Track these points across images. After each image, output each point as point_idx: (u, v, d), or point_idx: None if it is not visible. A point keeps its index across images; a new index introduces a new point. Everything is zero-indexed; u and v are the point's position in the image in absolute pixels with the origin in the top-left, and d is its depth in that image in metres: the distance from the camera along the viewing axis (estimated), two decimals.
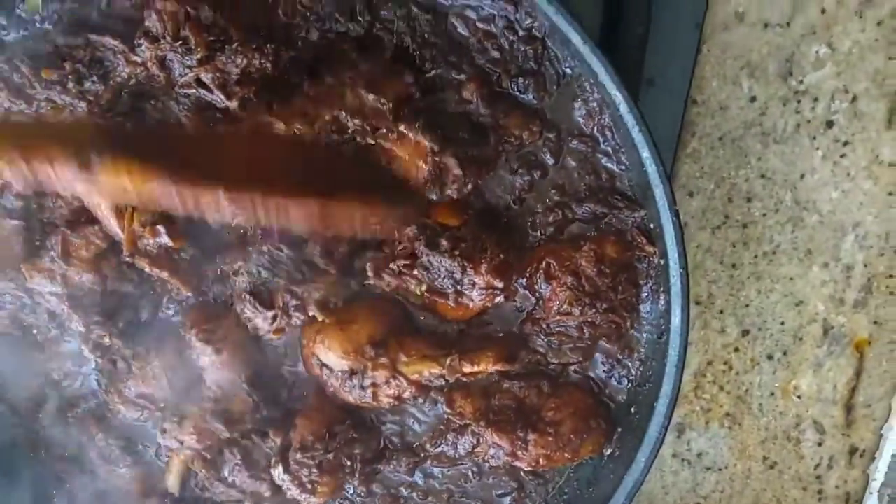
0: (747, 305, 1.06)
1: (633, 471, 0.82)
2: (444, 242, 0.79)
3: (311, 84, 0.78)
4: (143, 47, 0.74)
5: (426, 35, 0.79)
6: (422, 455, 0.91)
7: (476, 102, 0.79)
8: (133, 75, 0.78)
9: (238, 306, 0.84)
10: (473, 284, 0.81)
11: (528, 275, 0.83)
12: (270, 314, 0.81)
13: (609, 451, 0.86)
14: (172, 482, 0.91)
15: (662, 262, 0.78)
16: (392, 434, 0.92)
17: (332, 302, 0.82)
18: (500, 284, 0.82)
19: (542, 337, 0.86)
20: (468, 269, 0.80)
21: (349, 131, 0.76)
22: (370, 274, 0.83)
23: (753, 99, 0.99)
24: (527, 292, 0.84)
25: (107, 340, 0.86)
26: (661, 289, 0.80)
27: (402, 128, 0.77)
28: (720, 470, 1.12)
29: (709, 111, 0.99)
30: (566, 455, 0.85)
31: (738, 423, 1.10)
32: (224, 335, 0.86)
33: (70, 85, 0.78)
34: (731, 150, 1.01)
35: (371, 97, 0.76)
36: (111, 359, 0.88)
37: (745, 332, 1.07)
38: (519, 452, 0.84)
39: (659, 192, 0.72)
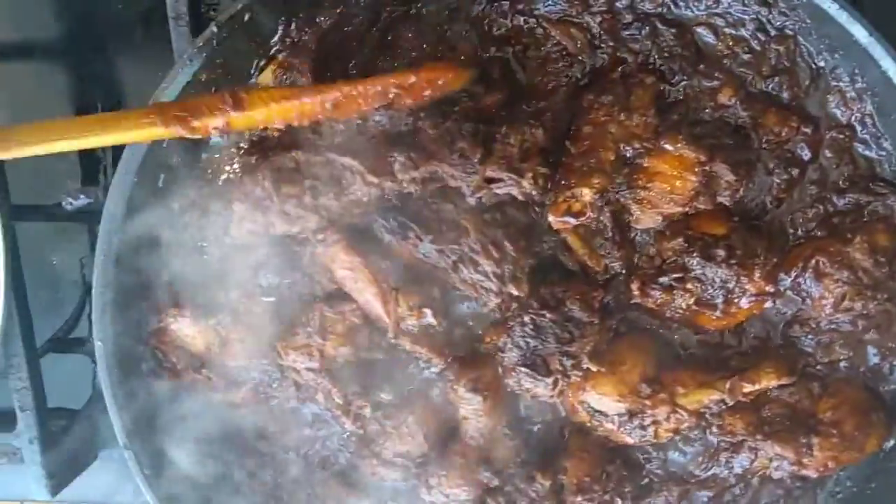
0: None
1: None
2: (720, 252, 0.78)
3: (573, 141, 0.79)
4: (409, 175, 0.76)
5: (672, 48, 0.79)
6: (692, 481, 0.88)
7: (734, 106, 0.79)
8: (368, 194, 0.79)
9: (511, 380, 0.83)
10: (744, 292, 0.80)
11: (793, 275, 0.81)
12: (550, 380, 0.81)
13: (891, 444, 0.84)
14: None
15: None
16: (656, 467, 0.89)
17: (601, 349, 0.82)
18: (771, 289, 0.80)
19: (811, 337, 0.84)
20: (742, 278, 0.79)
21: (630, 157, 0.76)
22: (636, 292, 0.81)
23: None
24: (791, 293, 0.82)
25: (367, 411, 0.85)
26: None
27: (663, 143, 0.77)
28: None
29: None
30: (853, 454, 0.82)
31: None
32: (487, 384, 0.84)
33: (307, 199, 0.79)
34: None
35: (634, 116, 0.77)
36: (363, 424, 0.87)
37: None
38: (805, 459, 0.82)
39: None
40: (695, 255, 0.79)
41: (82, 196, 1.08)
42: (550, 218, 0.78)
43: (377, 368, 0.87)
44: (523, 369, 0.81)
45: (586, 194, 0.76)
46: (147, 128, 0.70)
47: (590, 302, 0.81)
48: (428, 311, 0.81)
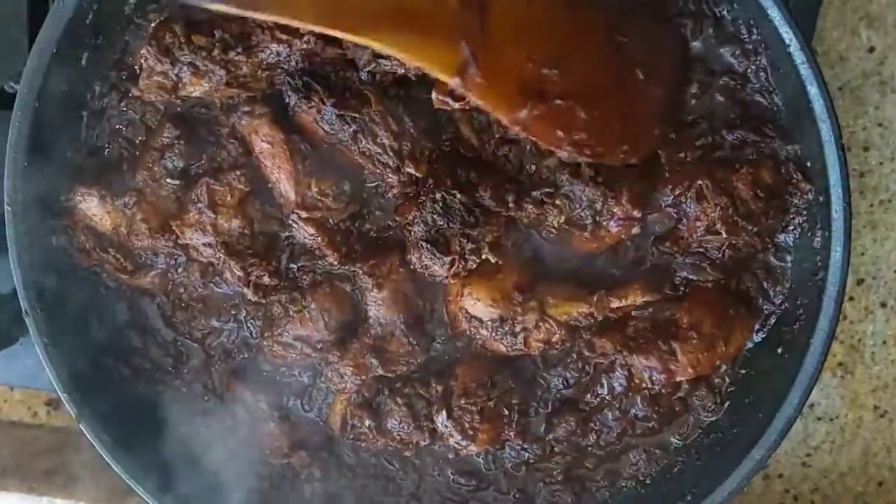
0: (862, 254, 1.08)
1: (786, 408, 0.84)
2: (586, 170, 0.81)
3: None
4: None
5: None
6: (588, 409, 0.91)
7: None
8: (277, 53, 0.80)
9: (414, 255, 0.85)
10: (612, 215, 0.83)
11: (676, 192, 0.84)
12: (448, 259, 0.83)
13: (762, 338, 0.86)
14: (334, 421, 0.93)
15: (821, 198, 0.80)
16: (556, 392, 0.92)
17: (504, 244, 0.85)
18: (638, 214, 0.83)
19: (679, 257, 0.87)
20: (609, 199, 0.82)
21: None
22: (511, 204, 0.84)
23: (872, 49, 1.01)
24: (671, 210, 0.85)
25: (266, 279, 0.87)
26: (818, 225, 0.82)
27: None
28: (831, 420, 1.14)
29: (829, 62, 1.02)
30: (719, 350, 0.85)
31: (850, 373, 1.12)
32: (387, 272, 0.88)
33: (215, 52, 0.80)
34: (850, 99, 1.03)
35: None
36: (268, 305, 0.90)
37: (860, 281, 1.09)
38: (671, 366, 0.84)
39: (825, 127, 0.75)
40: (565, 172, 0.82)
41: None
42: (433, 95, 0.79)
43: (277, 242, 0.89)
44: (426, 245, 0.83)
45: None
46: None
47: (501, 193, 0.84)
48: (331, 194, 0.83)
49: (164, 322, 0.96)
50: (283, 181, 0.85)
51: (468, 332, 0.89)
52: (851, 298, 1.10)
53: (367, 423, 0.90)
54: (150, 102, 0.88)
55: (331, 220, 0.87)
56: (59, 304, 0.91)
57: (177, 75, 0.82)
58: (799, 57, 0.74)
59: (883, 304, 1.10)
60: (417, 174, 0.83)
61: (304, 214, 0.85)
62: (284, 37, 0.79)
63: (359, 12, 0.68)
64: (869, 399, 1.13)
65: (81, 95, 0.88)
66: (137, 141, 0.90)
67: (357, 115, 0.81)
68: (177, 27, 0.81)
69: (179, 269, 0.92)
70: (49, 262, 0.89)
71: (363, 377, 0.89)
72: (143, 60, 0.81)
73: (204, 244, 0.86)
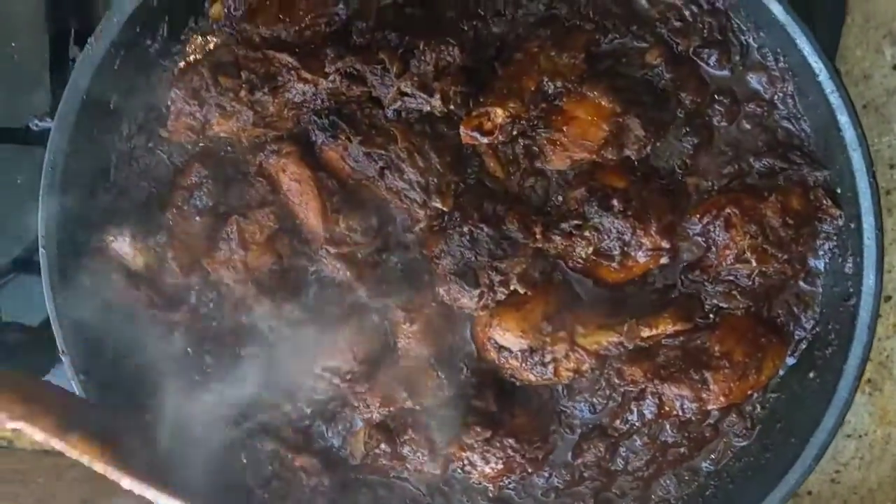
0: (889, 271, 1.08)
1: (819, 433, 0.83)
2: (616, 203, 0.81)
3: (502, 64, 0.81)
4: (332, 76, 0.78)
5: (606, 5, 0.82)
6: (617, 435, 0.92)
7: (660, 67, 0.82)
8: (303, 92, 0.81)
9: (441, 288, 0.86)
10: (640, 246, 0.83)
11: (705, 221, 0.84)
12: (476, 292, 0.84)
13: (793, 362, 0.87)
14: (357, 449, 0.93)
15: (852, 225, 0.80)
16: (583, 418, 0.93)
17: (532, 275, 0.85)
18: (667, 245, 0.83)
19: (709, 285, 0.87)
20: (638, 231, 0.82)
21: (550, 94, 0.79)
22: (538, 236, 0.84)
23: None
24: (699, 238, 0.85)
25: (297, 314, 0.88)
26: (849, 252, 0.82)
27: (584, 89, 0.81)
28: (860, 437, 1.13)
29: (852, 80, 1.01)
30: (751, 379, 0.85)
31: (878, 389, 1.12)
32: (420, 306, 0.88)
33: (242, 94, 0.81)
34: (875, 117, 1.02)
35: (564, 55, 0.80)
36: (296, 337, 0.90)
37: (888, 298, 1.09)
38: (703, 395, 0.85)
39: (856, 155, 0.75)
40: (594, 204, 0.82)
41: (48, 119, 1.14)
42: (461, 130, 0.80)
43: (306, 276, 0.90)
44: (454, 277, 0.84)
45: (499, 115, 0.79)
46: None
47: (529, 225, 0.84)
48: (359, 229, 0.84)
49: (195, 354, 0.96)
50: (311, 217, 0.86)
51: (497, 364, 0.89)
52: (879, 316, 1.09)
53: (382, 447, 0.91)
54: (177, 143, 0.89)
55: (359, 254, 0.88)
56: (93, 340, 0.92)
57: (204, 116, 0.83)
58: (829, 86, 0.74)
59: None
60: (444, 208, 0.83)
61: (332, 250, 0.86)
62: (310, 76, 0.80)
63: None
64: None
65: (110, 137, 0.89)
66: (166, 180, 0.91)
67: (383, 152, 0.81)
68: (204, 69, 0.82)
69: (211, 305, 0.93)
70: (83, 301, 0.90)
71: (390, 408, 0.89)
72: (171, 102, 0.83)
73: (235, 281, 0.87)
